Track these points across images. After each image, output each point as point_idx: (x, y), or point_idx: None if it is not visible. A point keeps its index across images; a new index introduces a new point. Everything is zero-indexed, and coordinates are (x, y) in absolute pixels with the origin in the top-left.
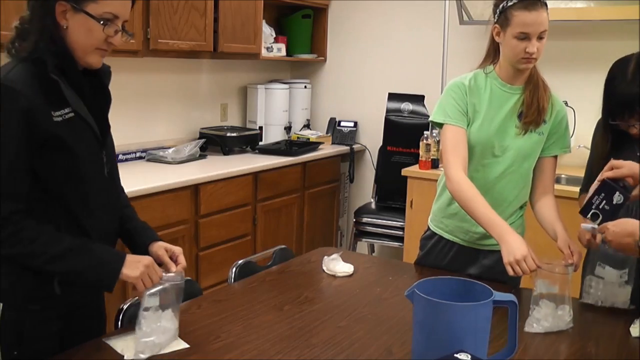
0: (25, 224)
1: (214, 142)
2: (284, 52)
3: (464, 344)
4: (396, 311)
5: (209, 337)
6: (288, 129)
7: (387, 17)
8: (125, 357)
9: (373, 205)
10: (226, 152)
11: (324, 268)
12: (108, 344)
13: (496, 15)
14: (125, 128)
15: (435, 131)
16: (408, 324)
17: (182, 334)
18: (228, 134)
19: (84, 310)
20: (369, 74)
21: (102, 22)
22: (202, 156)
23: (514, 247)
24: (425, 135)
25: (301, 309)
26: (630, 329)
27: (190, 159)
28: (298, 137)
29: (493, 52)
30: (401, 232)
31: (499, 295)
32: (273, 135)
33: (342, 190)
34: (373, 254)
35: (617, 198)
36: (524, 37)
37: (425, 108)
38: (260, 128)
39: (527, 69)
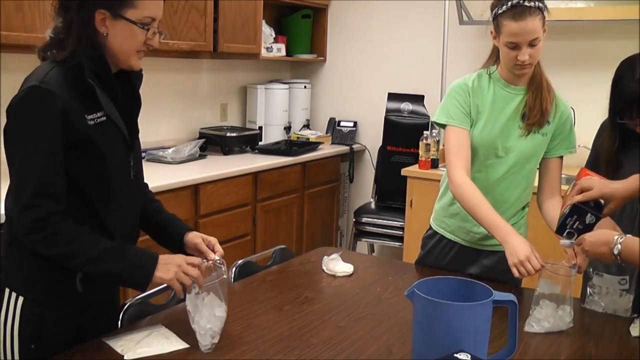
0: (63, 226)
1: (213, 142)
2: (283, 52)
3: (464, 344)
4: (396, 311)
5: None
6: (288, 129)
7: (387, 17)
8: (125, 357)
9: (373, 205)
10: (226, 152)
11: (324, 268)
12: (108, 344)
13: (491, 21)
14: None
15: (435, 131)
16: (408, 324)
17: (182, 334)
18: (228, 134)
19: (100, 307)
20: (369, 74)
21: (143, 27)
22: (202, 156)
23: (517, 249)
24: (425, 135)
25: (301, 309)
26: (630, 328)
27: (190, 159)
28: (298, 137)
29: (496, 53)
30: (401, 232)
31: (499, 295)
32: (273, 135)
33: (342, 190)
34: (373, 254)
35: (589, 219)
36: (514, 46)
37: (425, 108)
38: (260, 128)
39: (523, 74)
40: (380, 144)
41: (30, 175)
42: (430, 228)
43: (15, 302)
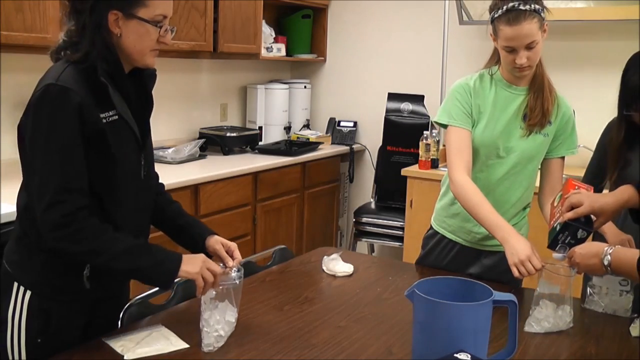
0: (89, 222)
1: (213, 142)
2: (283, 52)
3: (464, 344)
4: (396, 311)
5: None
6: (288, 129)
7: (387, 17)
8: (125, 357)
9: (373, 205)
10: (226, 152)
11: (324, 268)
12: (108, 344)
13: (489, 23)
14: None
15: (435, 131)
16: (408, 324)
17: (182, 334)
18: (228, 134)
19: (108, 304)
20: (369, 74)
21: (156, 25)
22: (202, 156)
23: (517, 249)
24: (425, 135)
25: (301, 309)
26: (630, 328)
27: (190, 159)
28: (298, 137)
29: (497, 54)
30: (401, 232)
31: (499, 295)
32: (273, 135)
33: (342, 190)
34: (373, 254)
35: (581, 234)
36: (510, 49)
37: (425, 108)
38: (260, 128)
39: (523, 76)
40: (380, 144)
41: (54, 171)
42: (431, 228)
43: (23, 297)
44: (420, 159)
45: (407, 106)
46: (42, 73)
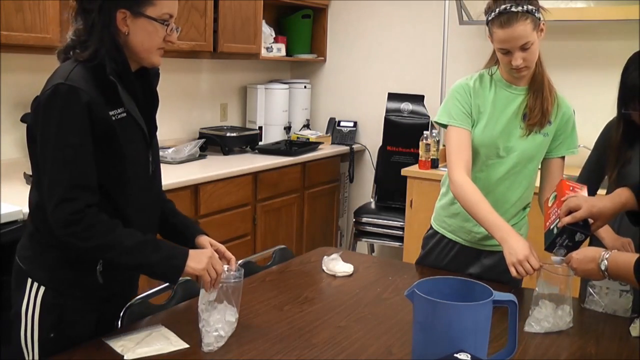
0: (99, 218)
1: (213, 142)
2: (283, 52)
3: (464, 344)
4: (396, 311)
5: None
6: (288, 129)
7: (387, 17)
8: (125, 357)
9: (373, 205)
10: (226, 152)
11: (324, 268)
12: (108, 344)
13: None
14: None
15: (435, 131)
16: (408, 324)
17: (182, 334)
18: (228, 134)
19: (120, 299)
20: (369, 74)
21: (163, 23)
22: (201, 156)
23: (516, 248)
24: (425, 135)
25: (301, 309)
26: (630, 328)
27: (190, 159)
28: (298, 137)
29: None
30: (401, 232)
31: (499, 295)
32: (273, 135)
33: (342, 190)
34: (373, 254)
35: (579, 237)
36: (505, 51)
37: (425, 108)
38: (260, 128)
39: (521, 77)
40: (380, 144)
41: (64, 169)
42: (431, 228)
43: (36, 292)
44: (420, 159)
45: (407, 106)
46: (42, 73)
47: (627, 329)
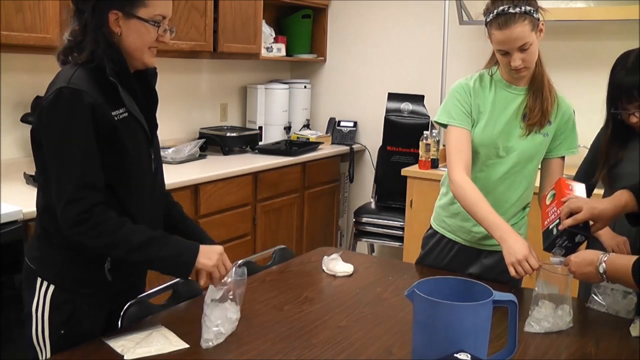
0: (106, 216)
1: (213, 142)
2: (283, 52)
3: (464, 344)
4: (396, 311)
5: None
6: (288, 129)
7: (387, 17)
8: (125, 357)
9: (373, 205)
10: (226, 152)
11: (324, 268)
12: (108, 344)
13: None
14: None
15: (435, 131)
16: (408, 324)
17: (182, 334)
18: (228, 134)
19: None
20: (369, 74)
21: (155, 24)
22: (202, 156)
23: (515, 248)
24: (425, 135)
25: (301, 309)
26: (630, 328)
27: (190, 159)
28: (298, 137)
29: None
30: (401, 232)
31: (499, 295)
32: (273, 135)
33: (342, 190)
34: (373, 254)
35: (579, 238)
36: (504, 53)
37: (425, 108)
38: (260, 128)
39: (521, 77)
40: (380, 144)
41: (71, 170)
42: (431, 227)
43: (45, 291)
44: (420, 159)
45: (407, 106)
46: (42, 73)
47: (627, 329)
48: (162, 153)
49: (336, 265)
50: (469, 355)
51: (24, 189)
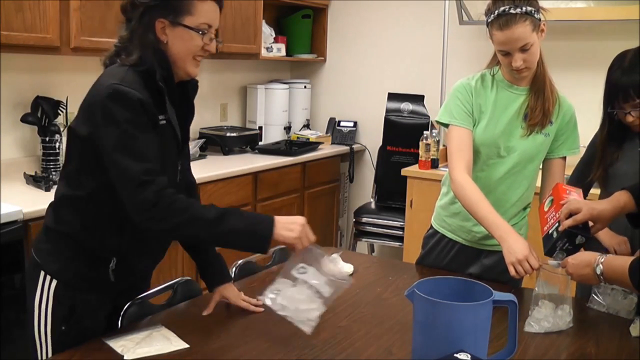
0: (177, 197)
1: (213, 142)
2: (283, 52)
3: (464, 344)
4: (396, 311)
5: (209, 337)
6: (288, 129)
7: (387, 17)
8: (125, 357)
9: (373, 205)
10: (226, 152)
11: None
12: (108, 344)
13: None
14: None
15: (435, 131)
16: (408, 324)
17: (182, 334)
18: (228, 134)
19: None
20: (369, 74)
21: (200, 32)
22: (202, 156)
23: (515, 248)
24: (425, 135)
25: None
26: (630, 328)
27: (190, 158)
28: (298, 137)
29: None
30: (401, 232)
31: (499, 295)
32: (273, 135)
33: (342, 190)
34: (373, 254)
35: (579, 239)
36: (505, 53)
37: (425, 108)
38: (260, 128)
39: (522, 77)
40: (380, 144)
41: (136, 156)
42: (431, 227)
43: (49, 286)
44: (420, 159)
45: (407, 106)
46: (42, 73)
47: (627, 329)
48: None
49: (336, 265)
50: (469, 355)
51: (24, 189)
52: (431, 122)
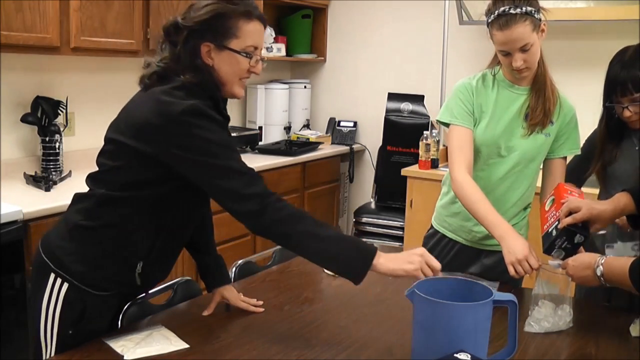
0: (283, 203)
1: None
2: (283, 52)
3: (464, 344)
4: (396, 311)
5: (209, 337)
6: (288, 129)
7: (387, 17)
8: (125, 357)
9: (373, 205)
10: None
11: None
12: (108, 344)
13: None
14: None
15: (435, 131)
16: (408, 324)
17: (182, 334)
18: None
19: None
20: (369, 74)
21: (247, 55)
22: None
23: (515, 248)
24: (425, 135)
25: (301, 309)
26: (630, 328)
27: None
28: (298, 137)
29: None
30: (401, 232)
31: (499, 295)
32: (273, 135)
33: (342, 190)
34: None
35: (578, 238)
36: (505, 53)
37: (425, 108)
38: (260, 128)
39: (522, 77)
40: (380, 144)
41: (235, 166)
42: (432, 227)
43: (59, 288)
44: (420, 159)
45: (407, 106)
46: (42, 73)
47: (627, 329)
48: None
49: None
50: (469, 355)
51: (24, 189)
52: (431, 122)
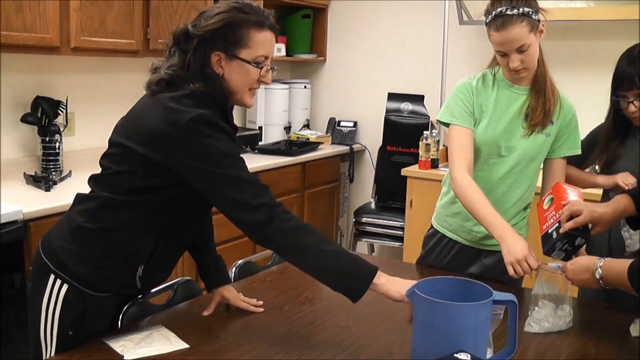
0: (289, 215)
1: None
2: (283, 52)
3: (464, 344)
4: (396, 311)
5: (209, 337)
6: (288, 129)
7: (387, 17)
8: (125, 357)
9: (373, 205)
10: None
11: None
12: (108, 344)
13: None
14: None
15: (435, 131)
16: (408, 324)
17: (182, 334)
18: None
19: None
20: (369, 74)
21: (257, 65)
22: None
23: (514, 248)
24: (425, 135)
25: (301, 309)
26: (630, 329)
27: None
28: (298, 137)
29: None
30: (401, 232)
31: (499, 295)
32: (273, 135)
33: (342, 190)
34: (373, 254)
35: (579, 241)
36: (502, 54)
37: (425, 108)
38: (260, 128)
39: (521, 78)
40: (380, 144)
41: (245, 179)
42: (432, 227)
43: (59, 289)
44: (420, 159)
45: (407, 106)
46: (42, 73)
47: (627, 329)
48: None
49: None
50: (469, 355)
51: (24, 189)
52: (431, 122)
